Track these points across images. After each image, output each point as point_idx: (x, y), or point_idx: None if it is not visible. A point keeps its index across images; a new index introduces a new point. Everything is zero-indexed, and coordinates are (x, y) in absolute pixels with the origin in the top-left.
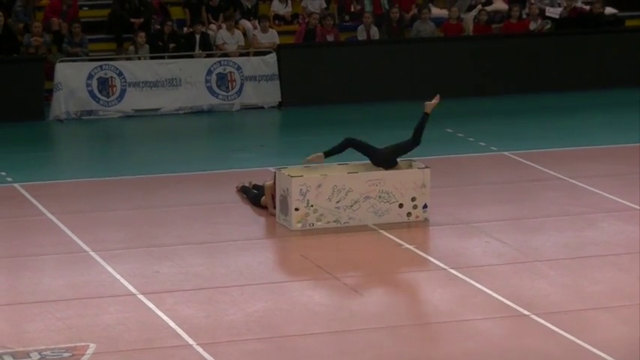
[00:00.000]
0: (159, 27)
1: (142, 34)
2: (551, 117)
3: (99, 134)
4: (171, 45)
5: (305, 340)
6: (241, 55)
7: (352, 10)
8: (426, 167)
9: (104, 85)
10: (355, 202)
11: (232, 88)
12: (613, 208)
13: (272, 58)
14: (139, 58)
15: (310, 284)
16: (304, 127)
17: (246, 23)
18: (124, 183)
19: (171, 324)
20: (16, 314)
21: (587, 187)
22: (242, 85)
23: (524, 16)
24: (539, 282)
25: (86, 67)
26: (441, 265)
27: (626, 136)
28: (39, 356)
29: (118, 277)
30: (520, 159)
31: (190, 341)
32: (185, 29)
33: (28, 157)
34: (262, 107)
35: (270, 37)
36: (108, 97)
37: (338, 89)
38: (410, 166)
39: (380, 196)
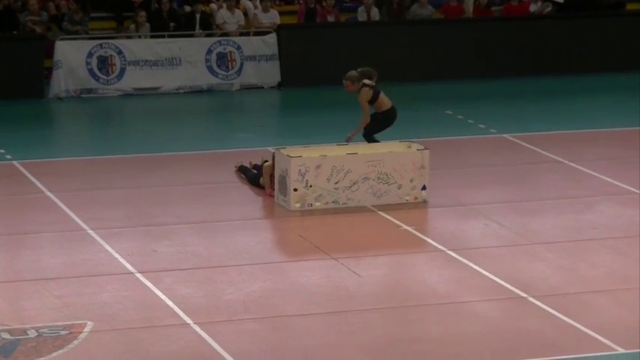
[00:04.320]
0: (157, 5)
1: (143, 12)
2: (551, 100)
3: (98, 113)
4: (172, 24)
5: (302, 320)
6: (241, 34)
7: None
8: (426, 149)
9: (104, 63)
10: (354, 183)
11: (232, 68)
12: (612, 191)
13: (272, 38)
14: (139, 37)
15: (308, 265)
16: (304, 108)
17: (246, 3)
18: (123, 161)
19: (169, 303)
20: (14, 292)
21: (586, 170)
22: (242, 64)
23: None
24: (538, 264)
25: (86, 46)
26: (440, 246)
27: (626, 119)
28: (36, 333)
29: (116, 255)
30: (520, 141)
31: (188, 320)
32: (186, 8)
33: (27, 134)
34: (262, 87)
35: (271, 17)
36: (107, 76)
37: (338, 70)
38: (409, 148)
39: (379, 178)
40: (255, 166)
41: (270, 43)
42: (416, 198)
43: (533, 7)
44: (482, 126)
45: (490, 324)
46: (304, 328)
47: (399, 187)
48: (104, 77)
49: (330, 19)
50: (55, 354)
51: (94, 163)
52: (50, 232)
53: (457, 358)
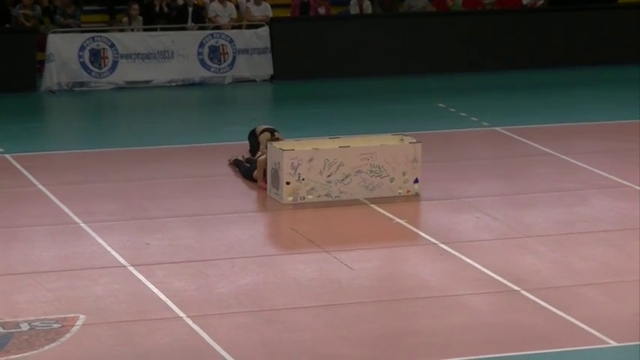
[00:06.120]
0: None
1: (135, 5)
2: (544, 93)
3: (90, 106)
4: (163, 15)
5: (294, 313)
6: (234, 27)
7: None
8: (418, 142)
9: (96, 56)
10: (346, 176)
11: (224, 61)
12: (604, 184)
13: (264, 31)
14: (132, 30)
15: (301, 258)
16: (296, 101)
17: None
18: (115, 155)
19: (162, 296)
20: (6, 285)
21: (578, 163)
22: (234, 58)
23: None
24: (530, 258)
25: (78, 39)
26: (432, 239)
27: (618, 112)
28: (28, 327)
29: (109, 248)
30: (512, 134)
31: (180, 313)
32: (179, 1)
33: (19, 128)
34: (254, 80)
35: (263, 9)
36: (100, 69)
37: (330, 63)
38: (402, 141)
39: (371, 171)
40: (249, 160)
41: (262, 36)
42: (408, 191)
43: (525, 0)
44: (474, 119)
45: (482, 317)
46: (296, 322)
47: (392, 180)
48: (96, 70)
49: (321, 11)
50: (47, 347)
51: (86, 156)
52: (42, 226)
53: (449, 351)
